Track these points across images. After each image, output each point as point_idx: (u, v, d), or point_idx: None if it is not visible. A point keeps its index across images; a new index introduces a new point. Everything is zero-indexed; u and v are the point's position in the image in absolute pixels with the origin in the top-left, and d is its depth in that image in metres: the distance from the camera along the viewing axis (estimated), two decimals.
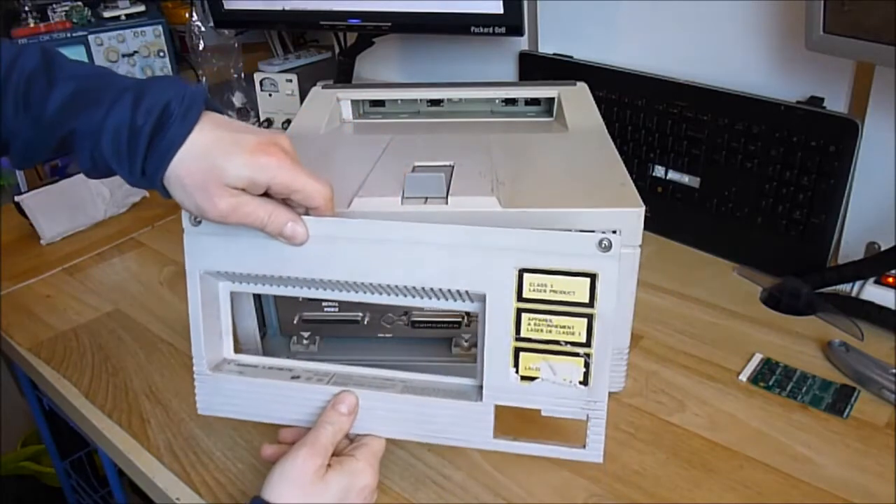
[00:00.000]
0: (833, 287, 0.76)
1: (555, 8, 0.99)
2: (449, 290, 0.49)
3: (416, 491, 0.56)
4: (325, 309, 0.62)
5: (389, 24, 1.01)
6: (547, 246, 0.46)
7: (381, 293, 0.51)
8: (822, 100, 0.76)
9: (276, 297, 0.62)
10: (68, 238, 0.99)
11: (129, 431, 0.64)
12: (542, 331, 0.47)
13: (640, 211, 0.52)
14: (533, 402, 0.48)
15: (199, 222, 0.50)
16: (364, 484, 0.48)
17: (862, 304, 0.72)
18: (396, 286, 0.49)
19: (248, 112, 1.21)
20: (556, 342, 0.47)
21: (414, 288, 0.49)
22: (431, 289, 0.49)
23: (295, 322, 0.63)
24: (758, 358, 0.69)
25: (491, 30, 0.93)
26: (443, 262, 0.47)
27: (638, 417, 0.62)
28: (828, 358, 0.68)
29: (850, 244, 0.80)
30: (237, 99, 1.22)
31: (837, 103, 0.77)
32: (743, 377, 0.66)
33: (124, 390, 0.70)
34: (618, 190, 0.55)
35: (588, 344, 0.46)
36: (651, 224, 0.55)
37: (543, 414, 0.48)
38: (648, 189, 0.91)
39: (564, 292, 0.46)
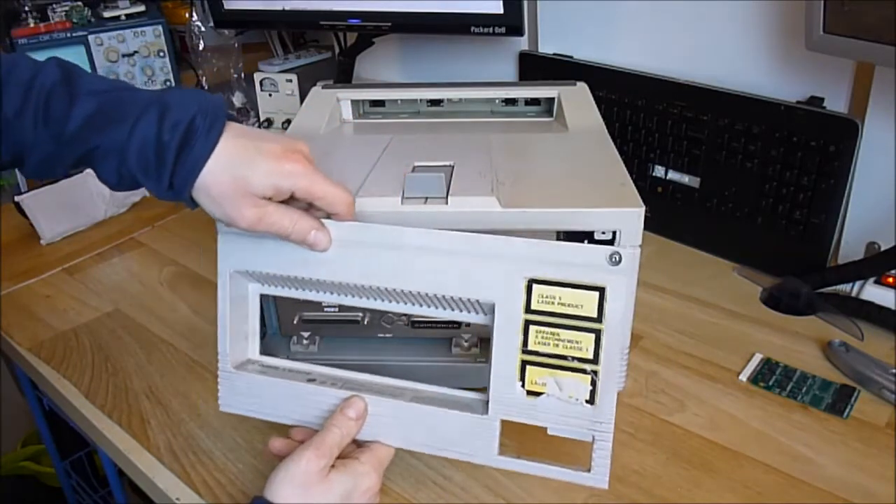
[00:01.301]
0: (833, 287, 0.76)
1: (555, 8, 0.99)
2: (461, 299, 0.49)
3: (416, 491, 0.56)
4: (325, 309, 0.62)
5: (389, 24, 1.01)
6: (556, 256, 0.46)
7: (396, 301, 0.52)
8: (822, 100, 0.76)
9: (275, 297, 0.62)
10: (68, 238, 0.99)
11: (129, 431, 0.64)
12: (549, 344, 0.46)
13: (640, 211, 0.52)
14: (539, 419, 0.47)
15: None
16: (367, 486, 0.48)
17: (862, 304, 0.72)
18: (410, 291, 0.50)
19: (248, 112, 1.21)
20: (564, 357, 0.46)
21: (427, 295, 0.49)
22: (444, 296, 0.49)
23: (295, 322, 0.63)
24: (758, 358, 0.69)
25: (491, 30, 0.93)
26: (455, 269, 0.48)
27: (638, 417, 0.62)
28: (828, 358, 0.68)
29: (850, 244, 0.80)
30: (237, 99, 1.22)
31: (837, 103, 0.77)
32: (743, 377, 0.66)
33: (124, 390, 0.70)
34: (618, 190, 0.55)
35: (595, 361, 0.46)
36: (651, 224, 0.55)
37: (549, 433, 0.47)
38: (648, 189, 0.91)
39: (573, 305, 0.46)
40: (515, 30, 0.92)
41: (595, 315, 0.45)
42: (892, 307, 0.71)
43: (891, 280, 0.72)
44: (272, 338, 0.64)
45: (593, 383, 0.46)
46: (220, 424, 0.64)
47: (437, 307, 0.51)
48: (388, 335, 0.63)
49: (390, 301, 0.52)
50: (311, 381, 0.53)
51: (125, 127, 0.45)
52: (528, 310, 0.46)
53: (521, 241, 0.47)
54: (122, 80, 0.50)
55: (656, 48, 0.91)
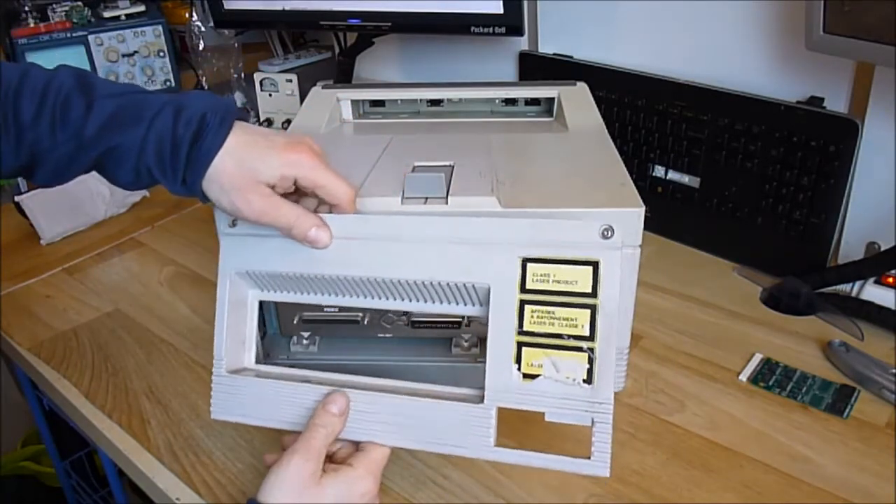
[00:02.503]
0: (833, 287, 0.76)
1: (555, 8, 0.99)
2: (458, 286, 0.48)
3: (416, 491, 0.56)
4: (325, 309, 0.62)
5: (389, 24, 1.01)
6: (549, 235, 0.46)
7: (396, 297, 0.52)
8: (822, 100, 0.76)
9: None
10: (68, 238, 0.99)
11: (129, 431, 0.64)
12: (545, 323, 0.46)
13: (640, 211, 0.52)
14: (535, 404, 0.46)
15: (235, 224, 0.52)
16: (363, 490, 0.47)
17: (862, 304, 0.72)
18: (409, 281, 0.49)
19: (248, 112, 1.21)
20: (560, 336, 0.45)
21: (425, 283, 0.49)
22: (442, 284, 0.49)
23: (295, 322, 0.63)
24: (758, 358, 0.69)
25: (491, 30, 0.93)
26: (451, 254, 0.48)
27: (638, 417, 0.62)
28: (828, 358, 0.68)
29: (850, 244, 0.80)
30: (237, 99, 1.22)
31: (837, 103, 0.77)
32: (743, 377, 0.66)
33: (124, 390, 0.70)
34: (618, 190, 0.55)
35: (591, 338, 0.45)
36: (651, 224, 0.55)
37: (547, 419, 0.46)
38: (648, 189, 0.91)
39: (567, 282, 0.45)
40: (515, 30, 0.92)
41: (589, 290, 0.45)
42: (892, 307, 0.71)
43: (891, 280, 0.72)
44: (272, 338, 0.64)
45: (590, 361, 0.45)
46: (220, 424, 0.64)
47: (435, 300, 0.51)
48: (387, 335, 0.63)
49: (390, 298, 0.52)
50: (305, 381, 0.52)
51: (143, 125, 0.47)
52: (522, 289, 0.46)
53: (515, 221, 0.47)
54: (134, 84, 0.52)
55: (656, 48, 0.91)
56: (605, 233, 0.45)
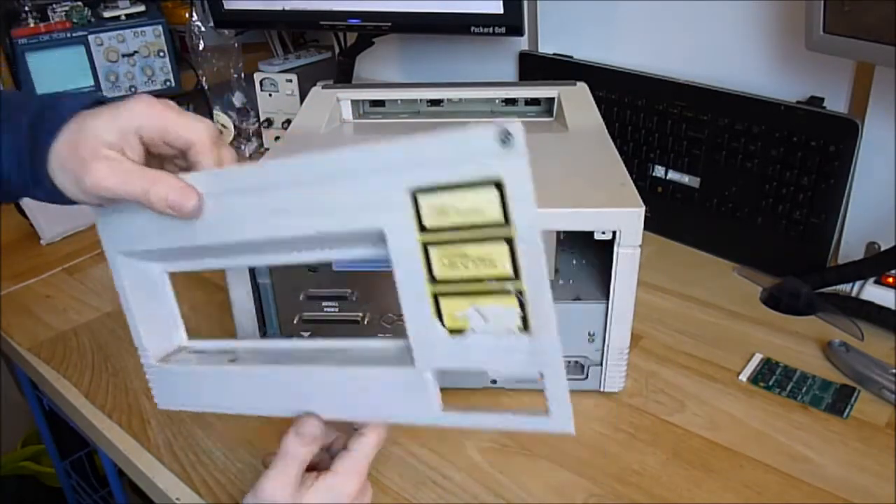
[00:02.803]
0: (833, 287, 0.76)
1: (555, 8, 0.99)
2: (350, 234, 0.41)
3: (416, 491, 0.56)
4: (325, 309, 0.62)
5: (389, 24, 1.01)
6: (436, 152, 0.36)
7: (297, 251, 0.45)
8: (822, 100, 0.76)
9: (276, 297, 0.62)
10: (68, 238, 0.99)
11: (129, 431, 0.64)
12: (458, 266, 0.38)
13: (640, 211, 0.52)
14: (471, 361, 0.39)
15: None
16: (349, 492, 0.46)
17: (862, 304, 0.72)
18: (295, 238, 0.42)
19: (248, 112, 1.21)
20: (479, 279, 0.38)
21: (310, 237, 0.42)
22: (330, 235, 0.42)
23: (295, 322, 0.63)
24: (758, 358, 0.69)
25: (491, 30, 0.93)
26: (329, 198, 0.40)
27: (638, 417, 0.62)
28: (828, 358, 0.68)
29: (850, 244, 0.80)
30: (237, 99, 1.21)
31: (837, 103, 0.77)
32: (743, 377, 0.66)
33: (124, 390, 0.70)
34: (618, 190, 0.55)
35: (516, 276, 0.37)
36: (651, 224, 0.55)
37: (491, 376, 0.41)
38: (648, 189, 0.91)
39: (472, 211, 0.36)
40: (515, 30, 0.92)
41: (499, 219, 0.36)
42: (892, 307, 0.71)
43: (891, 280, 0.72)
44: (272, 337, 0.64)
45: (521, 305, 0.37)
46: (220, 424, 0.64)
47: (335, 247, 0.43)
48: (387, 335, 0.63)
49: (293, 252, 0.44)
50: (232, 361, 0.47)
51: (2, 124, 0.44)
52: (421, 229, 0.38)
53: (391, 146, 0.37)
54: (42, 95, 0.49)
55: (656, 48, 0.91)
56: (503, 137, 0.34)
